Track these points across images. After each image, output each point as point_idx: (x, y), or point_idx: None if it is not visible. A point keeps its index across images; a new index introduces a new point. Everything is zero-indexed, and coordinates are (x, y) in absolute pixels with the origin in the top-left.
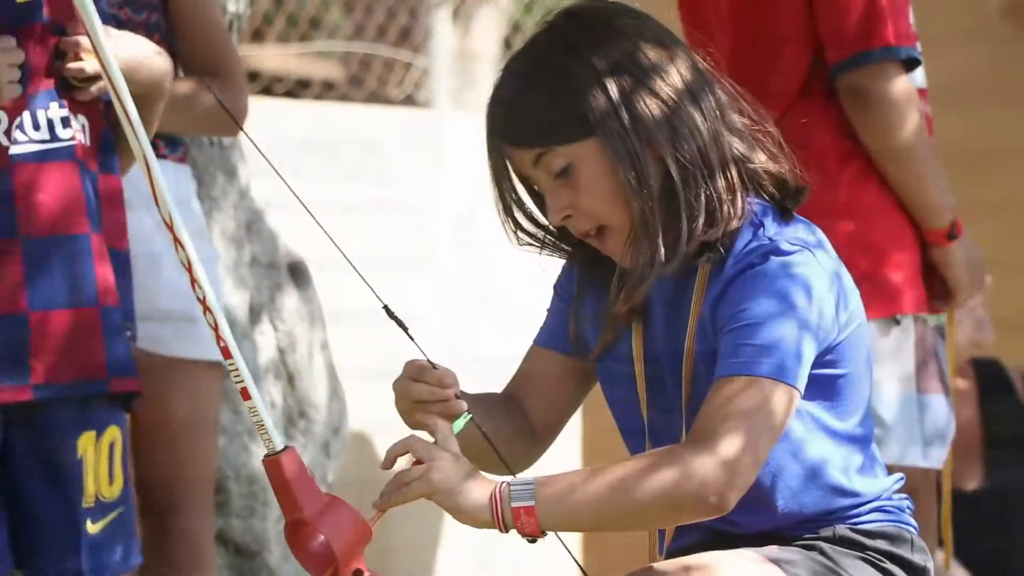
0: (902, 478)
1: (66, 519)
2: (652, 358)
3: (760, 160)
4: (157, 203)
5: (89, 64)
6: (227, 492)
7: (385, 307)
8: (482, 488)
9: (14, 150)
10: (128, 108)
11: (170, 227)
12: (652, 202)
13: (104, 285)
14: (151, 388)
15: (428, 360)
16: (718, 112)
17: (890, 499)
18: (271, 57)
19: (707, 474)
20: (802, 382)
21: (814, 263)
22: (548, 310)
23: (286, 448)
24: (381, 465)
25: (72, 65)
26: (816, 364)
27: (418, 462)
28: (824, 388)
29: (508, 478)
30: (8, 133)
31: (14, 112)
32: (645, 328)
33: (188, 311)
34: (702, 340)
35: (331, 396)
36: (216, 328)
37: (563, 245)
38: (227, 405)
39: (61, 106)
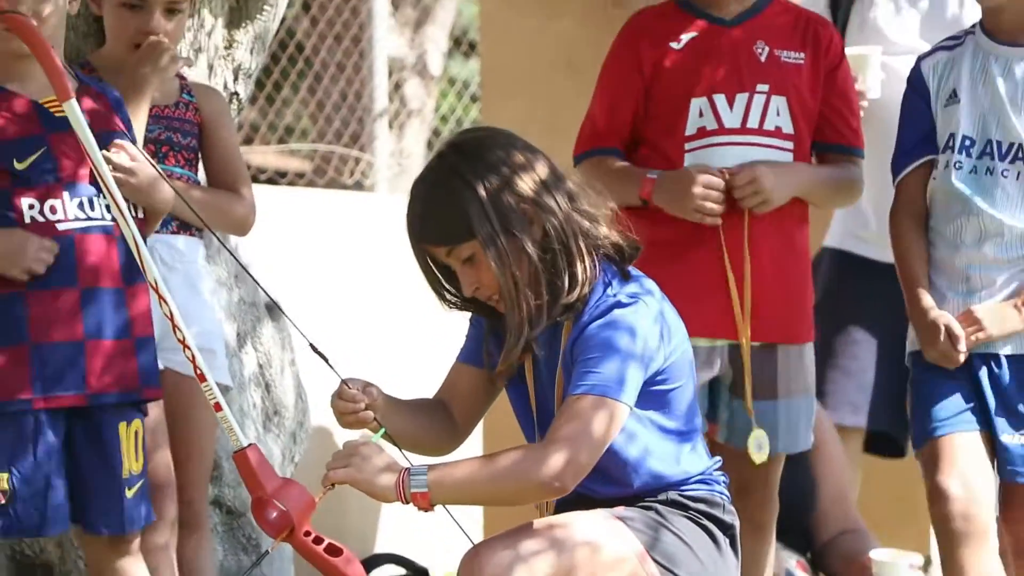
0: (720, 460)
1: (113, 487)
2: (538, 382)
3: (603, 233)
4: (145, 272)
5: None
6: (221, 468)
7: (311, 345)
8: (389, 477)
9: (69, 225)
10: (122, 207)
11: (155, 288)
12: (517, 287)
13: (135, 322)
14: (179, 398)
15: (344, 382)
16: (569, 200)
17: (710, 474)
18: (256, 154)
19: (551, 467)
20: (630, 398)
21: (643, 311)
22: (466, 335)
23: (250, 445)
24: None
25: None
26: (651, 382)
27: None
28: (658, 399)
29: (410, 466)
30: (66, 213)
31: (68, 197)
32: (534, 362)
33: (208, 346)
34: (566, 370)
35: (297, 399)
36: (193, 360)
37: (473, 307)
38: None
39: (99, 195)
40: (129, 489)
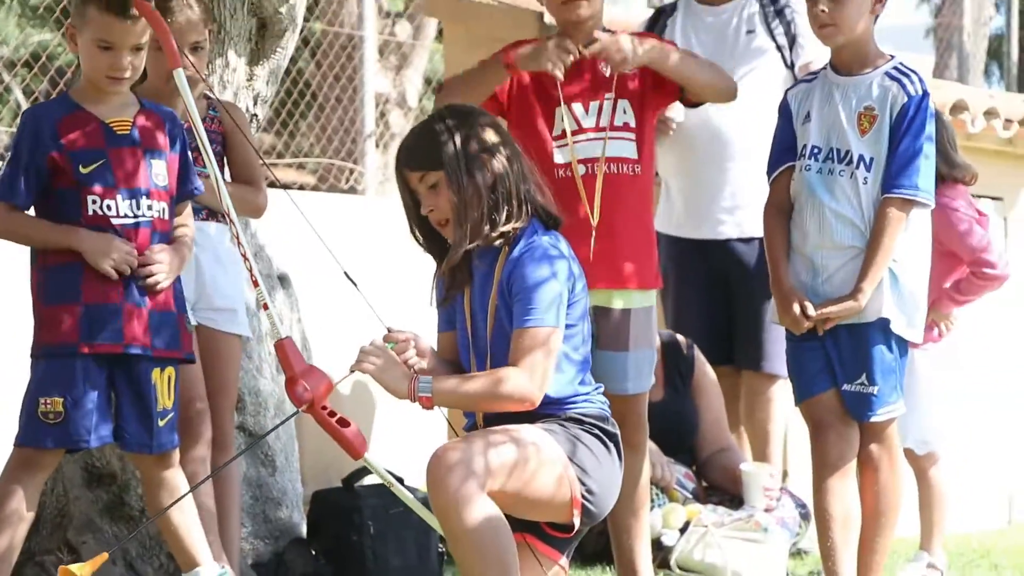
0: (602, 386)
1: (146, 417)
2: (473, 313)
3: (534, 191)
4: (242, 251)
5: (159, 271)
6: (243, 401)
7: (345, 272)
8: (404, 381)
9: (121, 221)
10: (211, 158)
11: (228, 216)
12: (466, 210)
13: (164, 297)
14: (210, 347)
15: (374, 311)
16: (516, 164)
17: (596, 396)
18: (276, 170)
19: (524, 386)
20: (562, 323)
21: (562, 257)
22: (438, 315)
23: (286, 337)
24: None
25: (150, 277)
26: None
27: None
28: (567, 332)
29: (418, 375)
30: (119, 210)
31: (121, 199)
32: (471, 294)
33: (231, 307)
34: (501, 299)
35: (303, 347)
36: (251, 271)
37: (428, 242)
38: (244, 354)
39: (147, 197)
40: (161, 420)
